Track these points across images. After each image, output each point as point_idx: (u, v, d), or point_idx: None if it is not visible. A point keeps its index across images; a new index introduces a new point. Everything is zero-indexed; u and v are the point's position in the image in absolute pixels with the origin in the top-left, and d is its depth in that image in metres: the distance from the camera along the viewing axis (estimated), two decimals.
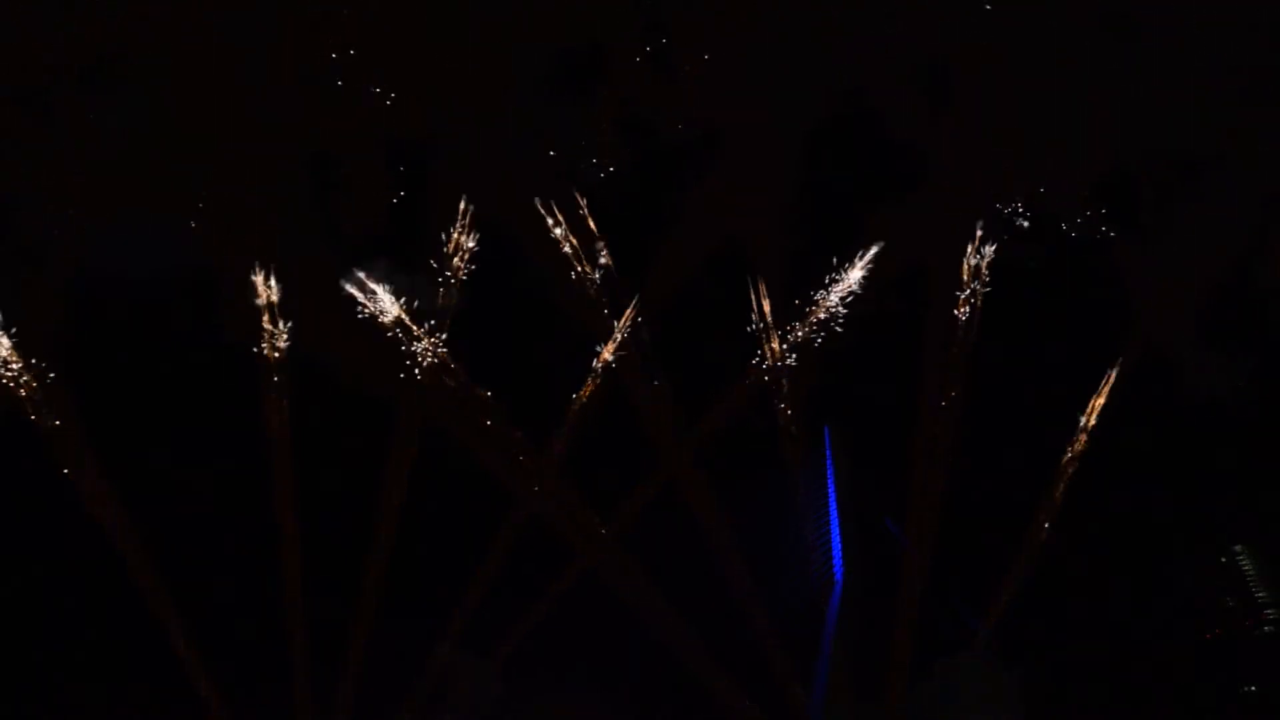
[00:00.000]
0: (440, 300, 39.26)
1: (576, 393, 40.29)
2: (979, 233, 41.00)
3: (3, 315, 37.09)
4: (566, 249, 39.85)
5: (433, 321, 38.93)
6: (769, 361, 40.90)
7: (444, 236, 39.32)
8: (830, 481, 40.18)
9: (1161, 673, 39.88)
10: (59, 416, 38.14)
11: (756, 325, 40.94)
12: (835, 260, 40.71)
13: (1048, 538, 40.77)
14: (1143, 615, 40.66)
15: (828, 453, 40.84)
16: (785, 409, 41.23)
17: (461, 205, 39.11)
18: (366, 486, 39.48)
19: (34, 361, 37.52)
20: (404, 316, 38.59)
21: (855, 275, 39.50)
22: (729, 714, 40.13)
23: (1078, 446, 41.29)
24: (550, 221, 39.95)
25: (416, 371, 38.63)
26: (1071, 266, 42.29)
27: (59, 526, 38.62)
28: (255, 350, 38.43)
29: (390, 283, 38.77)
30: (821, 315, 40.17)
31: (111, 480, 38.39)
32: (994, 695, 38.04)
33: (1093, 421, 41.09)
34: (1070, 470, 41.06)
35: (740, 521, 40.64)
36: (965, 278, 41.19)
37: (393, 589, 39.30)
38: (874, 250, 39.42)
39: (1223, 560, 40.70)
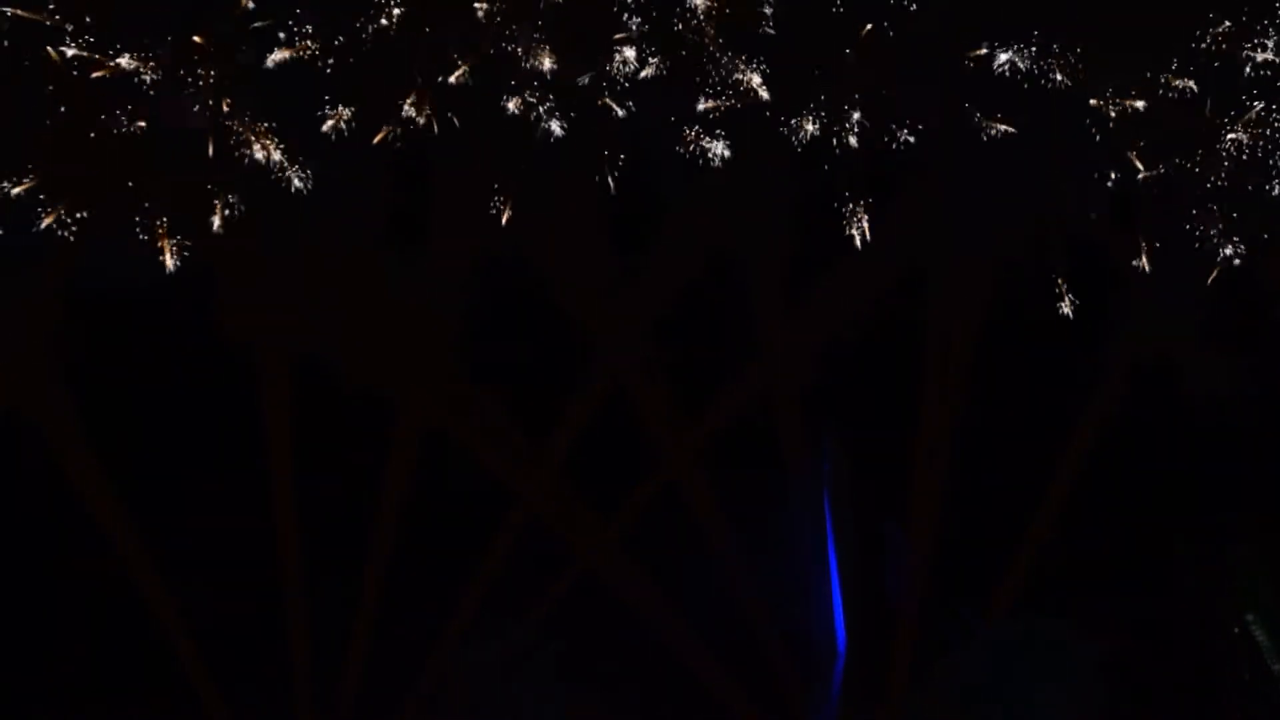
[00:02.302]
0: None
1: (577, 392, 40.47)
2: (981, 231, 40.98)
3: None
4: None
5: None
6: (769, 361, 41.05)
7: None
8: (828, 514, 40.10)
9: (1161, 674, 40.02)
10: (58, 416, 38.05)
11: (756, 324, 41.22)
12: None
13: (1048, 539, 40.96)
14: (1143, 617, 40.73)
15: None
16: (785, 409, 41.36)
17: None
18: (367, 486, 39.52)
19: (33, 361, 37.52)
20: None
21: None
22: (730, 714, 40.29)
23: (1079, 446, 41.41)
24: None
25: None
26: (1073, 265, 42.19)
27: (57, 526, 38.53)
28: (256, 349, 38.53)
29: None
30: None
31: (110, 479, 38.37)
32: (1068, 667, 37.79)
33: (1094, 421, 41.22)
34: (1071, 470, 41.23)
35: (742, 524, 40.70)
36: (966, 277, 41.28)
37: (393, 589, 39.35)
38: None
39: (1236, 631, 40.05)
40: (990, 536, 40.79)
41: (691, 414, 41.16)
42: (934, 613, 40.53)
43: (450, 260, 39.76)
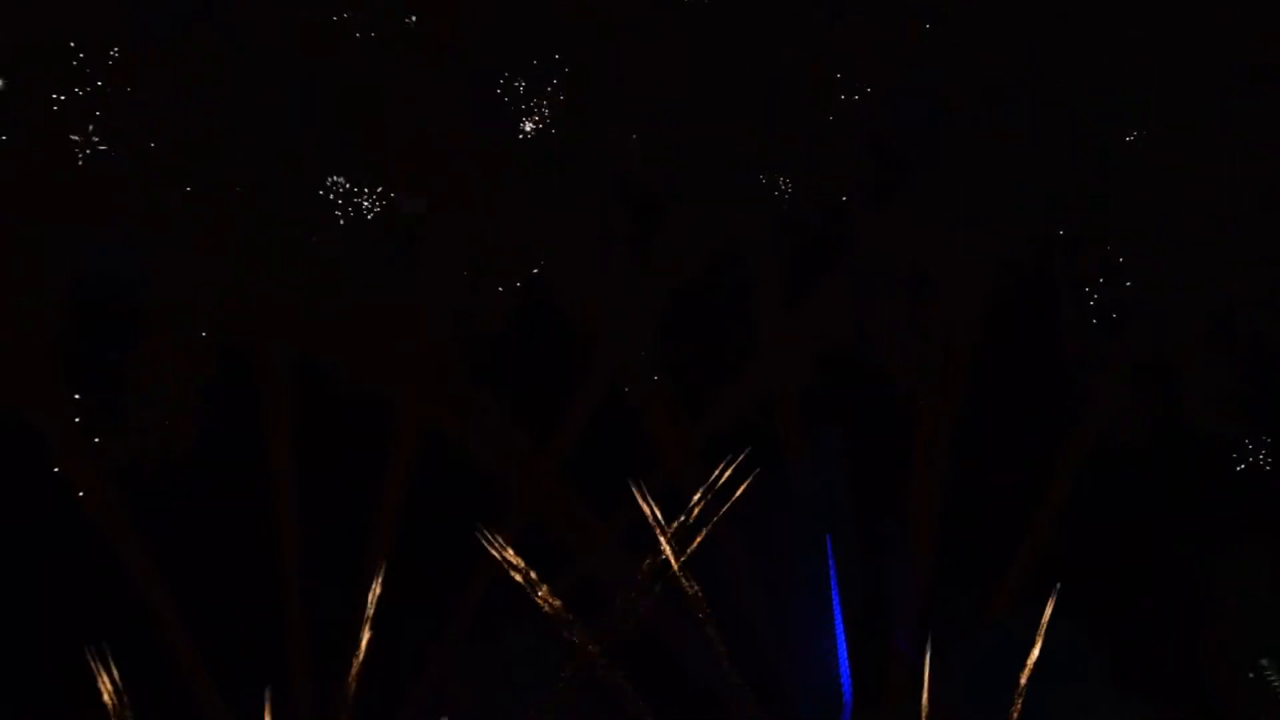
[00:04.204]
0: None
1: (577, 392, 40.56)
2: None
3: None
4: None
5: None
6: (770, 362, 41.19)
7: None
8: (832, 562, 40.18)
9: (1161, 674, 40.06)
10: (57, 415, 38.07)
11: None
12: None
13: (1048, 539, 41.05)
14: (1143, 617, 40.81)
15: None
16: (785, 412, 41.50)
17: None
18: (367, 485, 39.53)
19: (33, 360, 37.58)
20: None
21: None
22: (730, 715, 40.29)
23: (1078, 448, 41.53)
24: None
25: None
26: (1071, 267, 42.52)
27: (56, 525, 38.47)
28: (257, 347, 38.66)
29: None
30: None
31: (110, 479, 38.36)
32: (1069, 667, 37.85)
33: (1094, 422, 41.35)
34: (1071, 471, 41.37)
35: (743, 525, 40.70)
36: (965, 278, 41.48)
37: (394, 588, 39.25)
38: None
39: (1251, 675, 39.85)
40: (990, 537, 40.88)
41: (692, 415, 41.30)
42: (934, 613, 40.61)
43: (451, 263, 40.05)
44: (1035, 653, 38.41)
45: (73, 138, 38.10)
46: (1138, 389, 40.90)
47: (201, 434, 39.25)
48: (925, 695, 38.11)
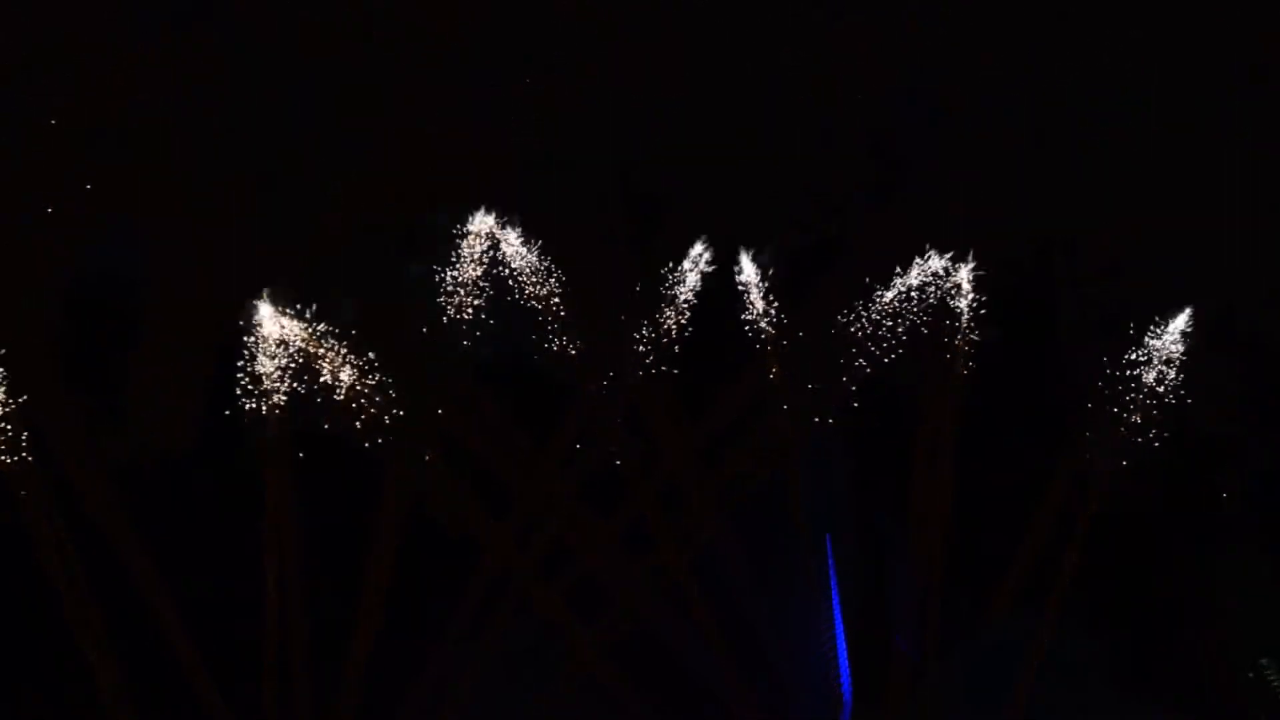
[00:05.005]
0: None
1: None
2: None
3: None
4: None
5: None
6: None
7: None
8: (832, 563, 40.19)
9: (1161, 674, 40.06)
10: (56, 416, 38.07)
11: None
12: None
13: (1048, 539, 41.05)
14: (1143, 617, 40.79)
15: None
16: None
17: None
18: (367, 485, 39.50)
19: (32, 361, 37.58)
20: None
21: None
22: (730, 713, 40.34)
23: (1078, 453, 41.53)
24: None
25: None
26: (1072, 268, 42.54)
27: (56, 525, 38.45)
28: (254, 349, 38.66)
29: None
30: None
31: (109, 479, 38.38)
32: (1068, 667, 37.85)
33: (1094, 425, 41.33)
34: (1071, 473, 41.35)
35: (743, 524, 40.75)
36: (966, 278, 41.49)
37: (394, 588, 39.31)
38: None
39: (1251, 675, 39.90)
40: (990, 537, 40.88)
41: (695, 417, 41.31)
42: (934, 613, 40.62)
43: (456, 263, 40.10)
44: (1037, 652, 38.51)
45: (73, 137, 38.10)
46: (1137, 388, 40.81)
47: (201, 434, 39.34)
48: (925, 695, 38.16)
